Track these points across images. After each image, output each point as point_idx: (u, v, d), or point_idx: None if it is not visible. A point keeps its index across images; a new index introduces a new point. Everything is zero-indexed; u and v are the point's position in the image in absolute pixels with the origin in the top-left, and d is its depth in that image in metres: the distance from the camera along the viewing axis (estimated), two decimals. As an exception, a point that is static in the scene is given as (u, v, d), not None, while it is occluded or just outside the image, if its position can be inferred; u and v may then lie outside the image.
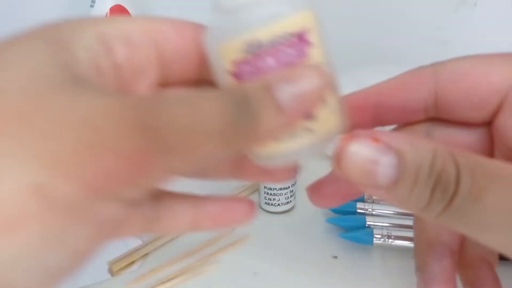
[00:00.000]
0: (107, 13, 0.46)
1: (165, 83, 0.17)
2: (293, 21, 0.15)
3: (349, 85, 0.45)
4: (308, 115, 0.15)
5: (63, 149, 0.11)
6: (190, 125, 0.13)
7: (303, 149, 0.16)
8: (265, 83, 0.15)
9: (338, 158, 0.16)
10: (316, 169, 0.43)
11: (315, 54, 0.15)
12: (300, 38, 0.15)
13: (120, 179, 0.12)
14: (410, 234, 0.29)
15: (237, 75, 0.15)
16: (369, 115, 0.22)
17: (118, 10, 0.46)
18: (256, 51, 0.15)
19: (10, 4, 0.58)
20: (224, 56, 0.15)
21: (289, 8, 0.15)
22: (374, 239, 0.29)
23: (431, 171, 0.15)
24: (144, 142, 0.12)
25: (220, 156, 0.14)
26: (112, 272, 0.28)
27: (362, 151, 0.16)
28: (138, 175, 0.12)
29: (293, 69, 0.15)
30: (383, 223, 0.30)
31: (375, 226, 0.30)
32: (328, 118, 0.16)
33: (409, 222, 0.30)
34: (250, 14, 0.14)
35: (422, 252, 0.22)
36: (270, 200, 0.33)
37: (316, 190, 0.21)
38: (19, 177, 0.11)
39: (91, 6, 0.46)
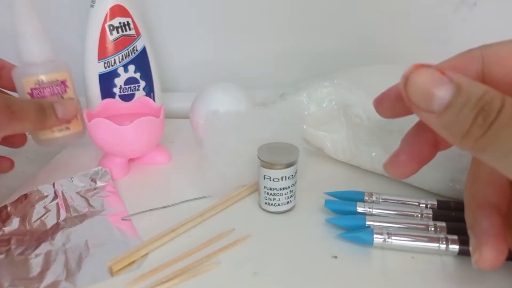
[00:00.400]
0: (107, 13, 0.46)
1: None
2: (59, 74, 0.39)
3: (349, 85, 0.45)
4: (68, 122, 0.39)
5: None
6: (24, 113, 0.34)
7: (64, 138, 0.40)
8: (51, 102, 0.37)
9: (406, 79, 0.20)
10: (316, 169, 0.43)
11: (69, 91, 0.40)
12: (62, 83, 0.39)
13: (2, 127, 0.32)
14: (410, 233, 0.29)
15: (31, 95, 0.38)
16: None
17: (118, 10, 0.46)
18: (41, 85, 0.38)
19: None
20: (25, 85, 0.38)
21: (57, 68, 0.39)
22: (374, 239, 0.29)
23: (479, 100, 0.18)
24: (8, 114, 0.33)
25: (35, 130, 0.38)
26: (112, 272, 0.28)
27: (427, 77, 0.19)
28: (7, 126, 0.33)
29: (63, 99, 0.39)
30: (383, 223, 0.30)
31: (375, 226, 0.30)
32: (76, 124, 0.40)
33: (409, 221, 0.30)
34: (39, 67, 0.38)
35: (472, 212, 0.25)
36: (270, 200, 0.33)
37: (392, 163, 0.25)
38: None
39: (91, 6, 0.46)
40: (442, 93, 0.19)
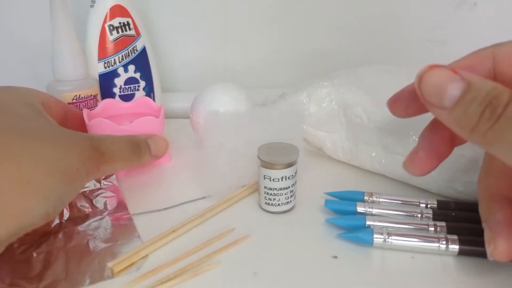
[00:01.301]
0: (107, 13, 0.46)
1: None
2: (92, 90, 0.45)
3: (349, 85, 0.45)
4: (159, 158, 0.37)
5: (71, 162, 0.26)
6: (116, 153, 0.30)
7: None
8: (145, 139, 0.34)
9: (420, 78, 0.21)
10: (316, 169, 0.43)
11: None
12: (94, 97, 0.46)
13: (90, 174, 0.28)
14: (410, 233, 0.29)
15: None
16: None
17: (118, 10, 0.46)
18: (78, 100, 0.44)
19: (11, 4, 0.58)
20: (63, 99, 0.43)
21: (91, 84, 0.45)
22: (374, 239, 0.29)
23: (487, 95, 0.19)
24: (96, 158, 0.28)
25: (126, 168, 0.37)
26: (112, 273, 0.28)
27: (440, 76, 0.21)
28: (96, 172, 0.28)
29: (154, 135, 0.36)
30: (383, 223, 0.30)
31: (375, 226, 0.30)
32: (165, 157, 0.43)
33: (409, 221, 0.30)
34: (78, 84, 0.44)
35: (486, 205, 0.26)
36: (270, 200, 0.33)
37: (411, 160, 0.27)
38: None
39: (91, 6, 0.46)
40: (453, 89, 0.20)
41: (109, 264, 0.28)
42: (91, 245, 0.31)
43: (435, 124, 0.27)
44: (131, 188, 0.39)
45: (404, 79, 0.40)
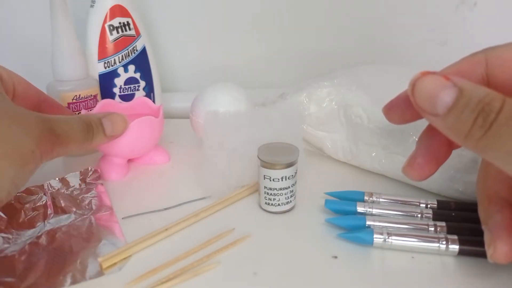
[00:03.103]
0: (107, 13, 0.46)
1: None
2: (92, 90, 0.45)
3: (349, 85, 0.45)
4: (116, 138, 0.36)
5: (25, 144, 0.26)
6: (70, 134, 0.30)
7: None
8: (99, 118, 0.33)
9: (413, 85, 0.21)
10: (316, 169, 0.43)
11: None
12: (94, 97, 0.45)
13: (44, 156, 0.28)
14: (410, 233, 0.29)
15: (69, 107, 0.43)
16: None
17: (118, 10, 0.46)
18: (78, 100, 0.43)
19: (11, 4, 0.58)
20: (63, 100, 0.43)
21: (91, 84, 0.45)
22: (374, 239, 0.29)
23: (479, 102, 0.19)
24: (52, 140, 0.28)
25: (81, 150, 0.36)
26: (102, 269, 0.28)
27: (432, 83, 0.21)
28: (50, 154, 0.28)
29: (110, 114, 0.35)
30: (383, 223, 0.30)
31: (375, 226, 0.30)
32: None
33: (409, 221, 0.30)
34: (78, 84, 0.44)
35: (485, 208, 0.26)
36: (270, 200, 0.33)
37: (410, 166, 0.27)
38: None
39: (91, 6, 0.46)
40: (445, 96, 0.20)
41: (99, 259, 0.28)
42: (74, 245, 0.30)
43: (432, 129, 0.26)
44: (130, 188, 0.39)
45: (404, 79, 0.40)
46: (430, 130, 0.27)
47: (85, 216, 0.34)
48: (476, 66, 0.23)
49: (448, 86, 0.20)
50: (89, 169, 0.39)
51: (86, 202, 0.35)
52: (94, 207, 0.35)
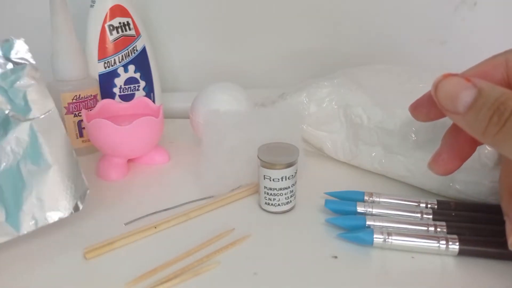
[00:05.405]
0: (107, 13, 0.46)
1: None
2: (92, 90, 0.45)
3: (349, 85, 0.45)
4: None
5: None
6: None
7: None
8: None
9: (436, 86, 0.23)
10: (316, 169, 0.43)
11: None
12: (94, 97, 0.45)
13: None
14: (410, 233, 0.29)
15: (67, 109, 0.43)
16: None
17: (118, 10, 0.46)
18: (78, 100, 0.43)
19: (11, 4, 0.58)
20: (63, 100, 0.43)
21: (91, 84, 0.45)
22: (374, 239, 0.29)
23: (495, 101, 0.21)
24: None
25: None
26: (85, 257, 0.28)
27: (454, 84, 0.22)
28: None
29: None
30: (383, 223, 0.30)
31: (375, 226, 0.30)
32: None
33: (409, 221, 0.30)
34: (78, 84, 0.44)
35: (508, 200, 0.27)
36: (270, 200, 0.33)
37: (436, 161, 0.28)
38: None
39: (91, 6, 0.46)
40: (466, 96, 0.22)
41: (84, 250, 0.28)
42: (24, 171, 0.22)
43: (456, 127, 0.28)
44: (130, 188, 0.39)
45: (404, 79, 0.41)
46: (455, 128, 0.28)
47: (24, 123, 0.24)
48: (497, 68, 0.25)
49: (468, 87, 0.22)
50: (10, 39, 0.29)
51: (19, 96, 0.24)
52: (31, 105, 0.24)
